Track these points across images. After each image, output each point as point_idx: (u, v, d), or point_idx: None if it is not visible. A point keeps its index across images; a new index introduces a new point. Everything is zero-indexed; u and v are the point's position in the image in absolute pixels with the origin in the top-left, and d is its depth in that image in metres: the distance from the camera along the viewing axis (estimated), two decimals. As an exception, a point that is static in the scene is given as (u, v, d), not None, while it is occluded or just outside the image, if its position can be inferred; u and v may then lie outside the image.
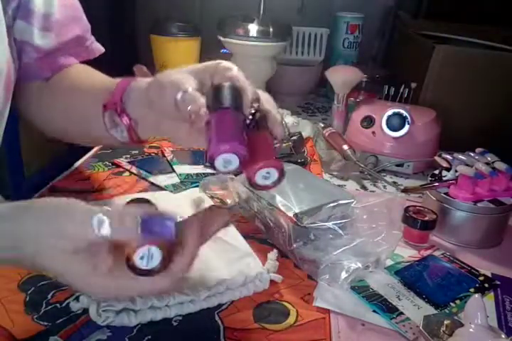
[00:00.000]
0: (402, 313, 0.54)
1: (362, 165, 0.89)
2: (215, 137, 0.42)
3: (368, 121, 0.94)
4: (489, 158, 0.72)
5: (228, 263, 0.58)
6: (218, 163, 0.41)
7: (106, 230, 0.39)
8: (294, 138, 0.92)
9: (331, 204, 0.62)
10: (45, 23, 0.63)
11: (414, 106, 0.96)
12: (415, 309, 0.56)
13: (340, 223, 0.60)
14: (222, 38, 1.09)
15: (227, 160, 0.41)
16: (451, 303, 0.57)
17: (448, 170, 0.76)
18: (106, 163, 0.87)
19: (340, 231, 0.59)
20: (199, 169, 0.85)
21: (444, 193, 0.71)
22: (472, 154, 0.73)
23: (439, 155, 0.78)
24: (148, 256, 0.39)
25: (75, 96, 0.63)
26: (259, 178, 0.42)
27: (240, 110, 0.45)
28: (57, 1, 0.63)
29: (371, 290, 0.58)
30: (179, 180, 0.81)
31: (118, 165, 0.86)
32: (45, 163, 1.01)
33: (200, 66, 0.51)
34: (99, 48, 0.72)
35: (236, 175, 0.70)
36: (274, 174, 0.43)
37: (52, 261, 0.40)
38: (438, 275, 0.62)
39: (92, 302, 0.48)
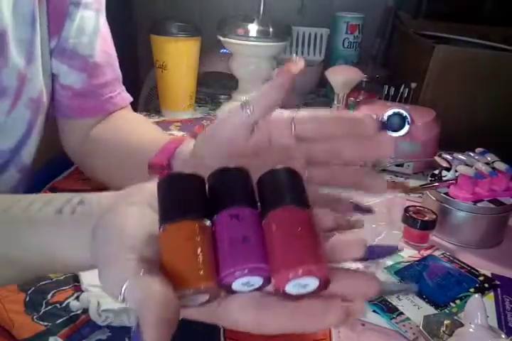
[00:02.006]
0: (402, 313, 0.55)
1: (362, 165, 0.89)
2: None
3: (368, 121, 0.94)
4: (489, 158, 0.72)
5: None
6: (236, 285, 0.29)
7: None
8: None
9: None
10: (81, 64, 0.64)
11: (414, 106, 0.96)
12: (415, 309, 0.56)
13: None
14: (222, 38, 1.09)
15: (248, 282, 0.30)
16: (451, 303, 0.57)
17: (448, 170, 0.76)
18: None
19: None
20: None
21: (444, 193, 0.71)
22: (472, 154, 0.73)
23: (439, 155, 0.78)
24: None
25: (120, 154, 0.62)
26: (290, 287, 0.29)
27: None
28: (99, 45, 0.65)
29: (371, 290, 0.58)
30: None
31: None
32: (45, 163, 1.01)
33: None
34: (128, 98, 0.72)
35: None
36: (314, 283, 0.29)
37: None
38: (438, 276, 0.62)
39: (92, 303, 0.48)
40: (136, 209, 0.33)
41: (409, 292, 0.59)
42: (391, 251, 0.38)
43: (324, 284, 0.29)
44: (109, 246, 0.31)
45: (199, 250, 0.29)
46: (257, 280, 0.29)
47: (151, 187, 0.34)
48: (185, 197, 0.31)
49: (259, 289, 0.30)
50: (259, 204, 0.32)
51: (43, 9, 0.58)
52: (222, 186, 0.32)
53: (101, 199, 0.36)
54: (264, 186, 0.33)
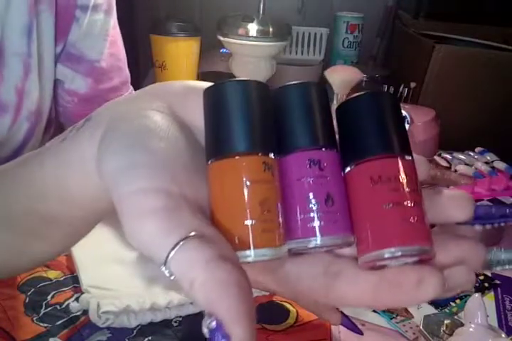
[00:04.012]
0: (402, 313, 0.55)
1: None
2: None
3: (368, 121, 0.94)
4: (488, 158, 0.72)
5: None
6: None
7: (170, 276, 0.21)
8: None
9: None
10: (87, 69, 0.63)
11: (414, 105, 0.96)
12: (415, 309, 0.55)
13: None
14: (221, 38, 1.09)
15: None
16: (451, 303, 0.57)
17: (447, 169, 0.75)
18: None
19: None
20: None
21: (444, 193, 0.71)
22: (471, 153, 0.73)
23: (439, 155, 0.78)
24: None
25: None
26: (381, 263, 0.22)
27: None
28: (107, 48, 0.64)
29: (371, 290, 0.58)
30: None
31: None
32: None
33: None
34: None
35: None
36: (413, 260, 0.22)
37: None
38: (438, 275, 0.62)
39: (92, 304, 0.48)
40: (159, 118, 0.24)
41: None
42: (503, 213, 0.28)
43: (425, 261, 0.22)
44: (129, 177, 0.22)
45: (266, 199, 0.21)
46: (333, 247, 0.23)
47: (177, 87, 0.27)
48: (249, 118, 0.22)
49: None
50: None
51: (48, 16, 0.56)
52: (295, 111, 0.23)
53: (118, 101, 0.28)
54: (350, 120, 0.23)
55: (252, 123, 0.22)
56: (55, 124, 0.67)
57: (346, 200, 0.23)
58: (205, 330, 0.20)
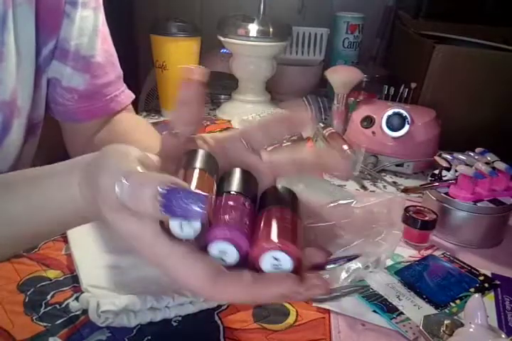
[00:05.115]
0: (402, 313, 0.54)
1: (362, 165, 0.89)
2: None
3: (368, 121, 0.94)
4: (489, 158, 0.72)
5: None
6: (213, 249, 0.33)
7: (126, 199, 0.31)
8: (294, 138, 0.92)
9: (331, 204, 0.62)
10: (84, 65, 0.64)
11: (414, 106, 0.96)
12: (415, 309, 0.55)
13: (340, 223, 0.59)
14: (222, 38, 1.09)
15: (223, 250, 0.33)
16: (451, 303, 0.57)
17: (448, 170, 0.75)
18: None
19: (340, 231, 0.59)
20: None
21: (444, 193, 0.71)
22: (472, 154, 0.73)
23: (439, 155, 0.78)
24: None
25: None
26: (265, 261, 0.33)
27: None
28: (99, 44, 0.64)
29: (371, 290, 0.58)
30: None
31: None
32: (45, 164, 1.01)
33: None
34: (130, 95, 0.72)
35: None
36: (286, 260, 0.33)
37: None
38: (438, 275, 0.62)
39: (92, 303, 0.48)
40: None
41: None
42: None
43: (296, 263, 0.32)
44: (109, 163, 0.34)
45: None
46: (232, 250, 0.33)
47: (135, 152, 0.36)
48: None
49: (235, 265, 0.33)
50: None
51: (26, 10, 0.56)
52: (236, 176, 0.39)
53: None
54: (265, 196, 0.40)
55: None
56: (43, 128, 0.67)
57: (253, 224, 0.36)
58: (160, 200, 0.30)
